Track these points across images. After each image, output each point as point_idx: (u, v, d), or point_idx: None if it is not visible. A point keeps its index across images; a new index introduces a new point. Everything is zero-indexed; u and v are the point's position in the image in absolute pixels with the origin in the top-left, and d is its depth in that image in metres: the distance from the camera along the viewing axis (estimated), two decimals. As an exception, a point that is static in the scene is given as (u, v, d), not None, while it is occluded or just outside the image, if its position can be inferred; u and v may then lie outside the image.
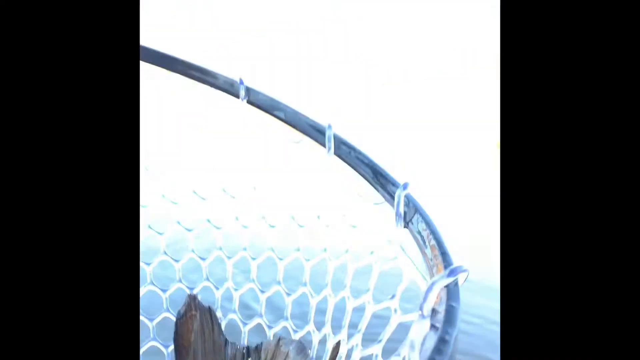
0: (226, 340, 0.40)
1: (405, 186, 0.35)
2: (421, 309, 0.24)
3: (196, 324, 0.40)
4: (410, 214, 0.34)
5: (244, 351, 0.39)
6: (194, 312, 0.40)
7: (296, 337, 0.39)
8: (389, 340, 0.28)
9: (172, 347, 0.42)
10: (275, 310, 0.43)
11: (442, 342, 0.20)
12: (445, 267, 0.26)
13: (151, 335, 0.43)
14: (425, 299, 0.24)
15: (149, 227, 0.44)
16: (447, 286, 0.24)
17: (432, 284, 0.24)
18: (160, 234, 0.44)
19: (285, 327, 0.41)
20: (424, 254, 0.30)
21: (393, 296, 0.30)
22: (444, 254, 0.27)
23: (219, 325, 0.41)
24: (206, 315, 0.40)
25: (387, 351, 0.27)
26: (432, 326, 0.23)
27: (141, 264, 0.43)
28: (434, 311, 0.24)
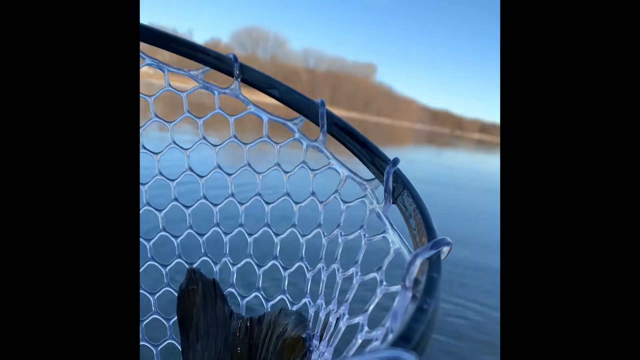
0: (231, 312, 0.41)
1: (395, 162, 0.35)
2: (404, 280, 0.25)
3: (198, 297, 0.41)
4: (399, 189, 0.34)
5: (248, 322, 0.41)
6: (194, 286, 0.42)
7: (294, 309, 0.41)
8: (375, 310, 0.29)
9: (173, 320, 0.44)
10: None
11: (420, 311, 0.21)
12: (429, 240, 0.27)
13: (153, 309, 0.44)
14: (407, 270, 0.25)
15: (148, 204, 0.45)
16: (429, 258, 0.25)
17: (415, 255, 0.25)
18: (159, 210, 0.45)
19: (282, 300, 0.42)
20: (409, 227, 0.31)
21: (379, 268, 0.31)
22: (428, 228, 0.28)
23: (223, 297, 0.42)
24: (209, 288, 0.41)
25: (373, 321, 0.28)
26: (414, 296, 0.24)
27: (141, 241, 0.44)
28: (416, 282, 0.25)
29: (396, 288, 0.27)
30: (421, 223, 0.29)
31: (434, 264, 0.25)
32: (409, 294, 0.25)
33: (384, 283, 0.29)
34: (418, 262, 0.25)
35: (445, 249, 0.26)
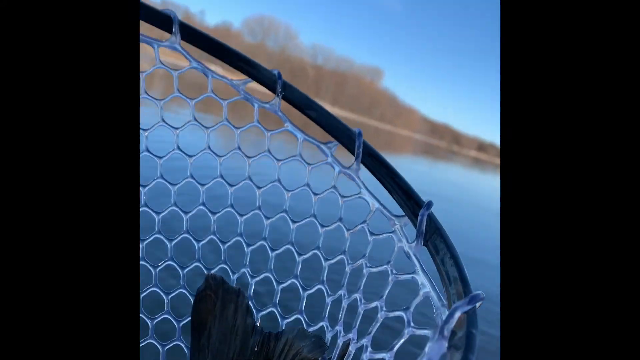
0: (254, 326, 0.41)
1: (429, 205, 0.37)
2: (442, 331, 0.26)
3: (217, 303, 0.41)
4: (430, 232, 0.36)
5: (265, 337, 0.41)
6: (211, 292, 0.42)
7: (310, 330, 0.42)
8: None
9: (184, 322, 0.45)
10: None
11: (463, 366, 0.23)
12: (466, 294, 0.29)
13: (165, 309, 0.45)
14: (446, 321, 0.26)
15: (175, 204, 0.46)
16: (466, 312, 0.26)
17: (454, 309, 0.26)
18: (186, 213, 0.46)
19: (298, 320, 0.43)
20: (441, 274, 0.32)
21: (407, 308, 0.32)
22: (463, 280, 0.30)
23: (248, 308, 0.41)
24: (232, 296, 0.41)
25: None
26: (450, 347, 0.26)
27: (163, 240, 0.45)
28: (452, 333, 0.26)
29: (424, 332, 0.29)
30: (455, 273, 0.31)
31: (471, 319, 0.26)
32: (445, 344, 0.26)
33: (412, 324, 0.30)
34: (457, 315, 0.26)
35: (479, 303, 0.27)
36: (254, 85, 0.47)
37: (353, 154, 0.43)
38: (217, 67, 0.52)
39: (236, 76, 0.47)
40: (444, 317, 0.29)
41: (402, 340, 0.31)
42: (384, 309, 0.34)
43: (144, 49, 0.42)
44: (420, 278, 0.33)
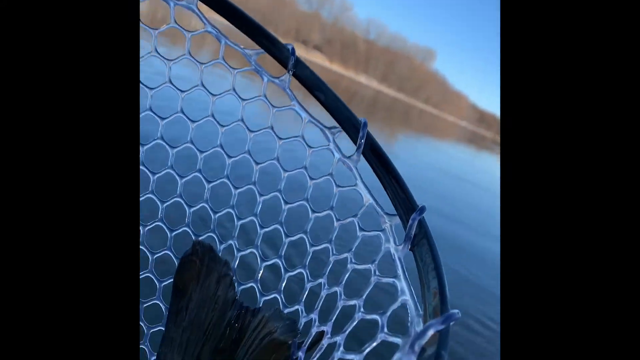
0: (235, 299, 0.42)
1: (422, 210, 0.37)
2: (412, 345, 0.27)
3: (198, 271, 0.42)
4: (419, 238, 0.36)
5: (242, 310, 0.41)
6: (194, 258, 0.43)
7: (285, 312, 0.42)
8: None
9: (166, 282, 0.45)
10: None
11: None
12: (442, 311, 0.29)
13: (149, 267, 0.46)
14: (418, 337, 0.27)
15: (172, 167, 0.46)
16: (440, 330, 0.27)
17: (429, 326, 0.27)
18: (181, 177, 0.46)
19: (275, 299, 0.44)
20: (422, 283, 0.33)
21: (383, 312, 0.33)
22: (442, 296, 0.30)
23: (230, 281, 0.42)
24: (216, 267, 0.42)
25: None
26: (417, 362, 0.27)
27: (155, 200, 0.45)
28: (422, 349, 0.27)
29: (396, 340, 0.29)
30: (436, 285, 0.31)
31: (443, 338, 0.26)
32: (414, 359, 0.27)
33: (385, 329, 0.31)
34: (430, 333, 0.27)
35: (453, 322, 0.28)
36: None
37: (356, 143, 0.43)
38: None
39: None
40: (417, 329, 0.29)
41: (373, 344, 0.31)
42: (362, 309, 0.34)
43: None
44: (401, 284, 0.34)
